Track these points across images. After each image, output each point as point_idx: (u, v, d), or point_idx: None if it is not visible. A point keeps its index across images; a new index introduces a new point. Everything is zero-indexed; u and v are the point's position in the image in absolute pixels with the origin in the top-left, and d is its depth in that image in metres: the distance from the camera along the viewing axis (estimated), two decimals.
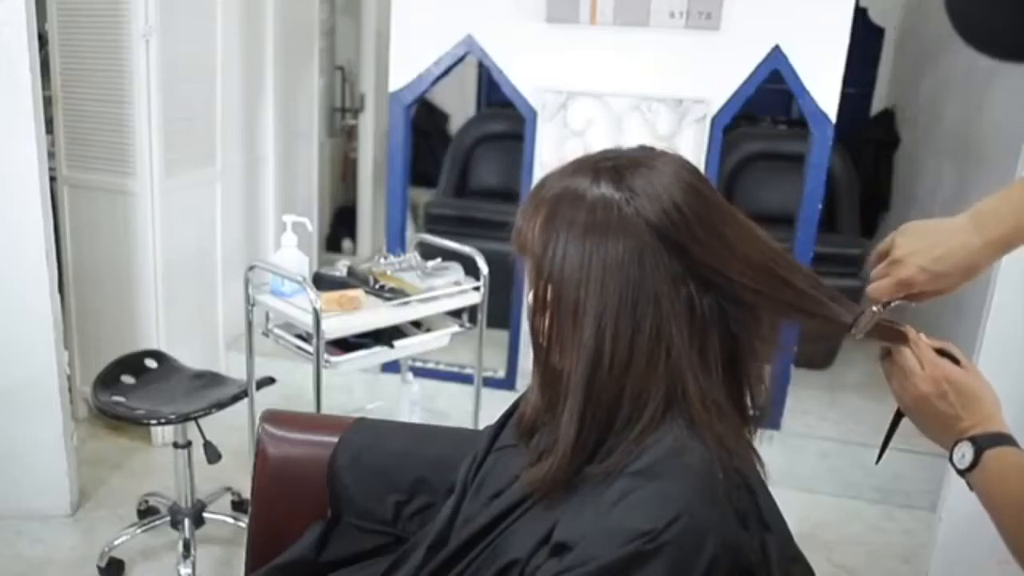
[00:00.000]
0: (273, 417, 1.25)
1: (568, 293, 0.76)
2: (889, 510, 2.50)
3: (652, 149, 0.82)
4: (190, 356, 2.29)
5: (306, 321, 1.86)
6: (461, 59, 2.68)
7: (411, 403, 2.37)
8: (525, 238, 0.80)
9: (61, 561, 2.06)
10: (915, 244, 0.89)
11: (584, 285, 0.75)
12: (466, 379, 2.82)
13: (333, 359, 1.92)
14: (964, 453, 0.77)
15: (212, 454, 1.98)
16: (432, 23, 2.63)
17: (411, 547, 0.95)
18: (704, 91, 2.51)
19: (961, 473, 0.78)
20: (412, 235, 2.68)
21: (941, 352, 0.84)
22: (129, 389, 1.99)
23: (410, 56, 2.68)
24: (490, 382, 2.70)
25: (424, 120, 4.88)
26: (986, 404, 0.80)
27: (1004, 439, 0.77)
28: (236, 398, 1.96)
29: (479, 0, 2.59)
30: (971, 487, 0.78)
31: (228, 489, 2.25)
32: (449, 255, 2.18)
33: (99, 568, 1.98)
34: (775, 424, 2.70)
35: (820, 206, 2.56)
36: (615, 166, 0.78)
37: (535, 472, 0.80)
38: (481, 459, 0.94)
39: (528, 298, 0.82)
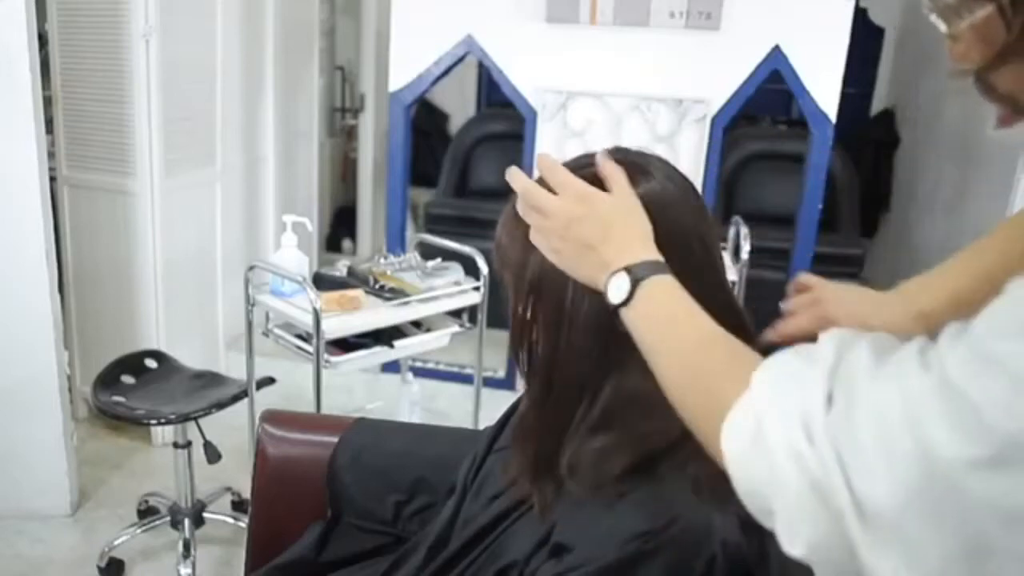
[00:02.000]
0: (273, 417, 1.26)
1: (553, 305, 0.75)
2: None
3: (628, 151, 0.81)
4: (190, 356, 2.29)
5: (306, 321, 1.86)
6: (461, 59, 2.69)
7: (411, 403, 2.37)
8: (506, 252, 0.80)
9: (61, 561, 2.06)
10: (843, 297, 0.82)
11: (569, 297, 0.74)
12: (466, 379, 2.82)
13: (333, 359, 1.92)
14: (620, 285, 0.67)
15: (212, 454, 1.98)
16: (432, 23, 2.64)
17: (411, 547, 0.95)
18: (704, 91, 2.51)
19: (615, 308, 0.68)
20: (412, 235, 2.68)
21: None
22: (129, 389, 1.99)
23: (410, 56, 2.68)
24: (490, 382, 2.70)
25: (424, 120, 4.88)
26: (634, 230, 0.70)
27: (660, 268, 0.68)
28: (236, 398, 1.96)
29: (479, 0, 2.59)
30: (624, 323, 0.68)
31: (228, 489, 2.25)
32: (449, 255, 2.18)
33: (99, 568, 1.98)
34: None
35: (820, 206, 2.56)
36: (596, 173, 0.77)
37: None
38: (481, 460, 0.94)
39: (513, 312, 0.81)
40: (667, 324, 0.66)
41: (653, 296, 0.67)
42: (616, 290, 0.68)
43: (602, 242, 0.69)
